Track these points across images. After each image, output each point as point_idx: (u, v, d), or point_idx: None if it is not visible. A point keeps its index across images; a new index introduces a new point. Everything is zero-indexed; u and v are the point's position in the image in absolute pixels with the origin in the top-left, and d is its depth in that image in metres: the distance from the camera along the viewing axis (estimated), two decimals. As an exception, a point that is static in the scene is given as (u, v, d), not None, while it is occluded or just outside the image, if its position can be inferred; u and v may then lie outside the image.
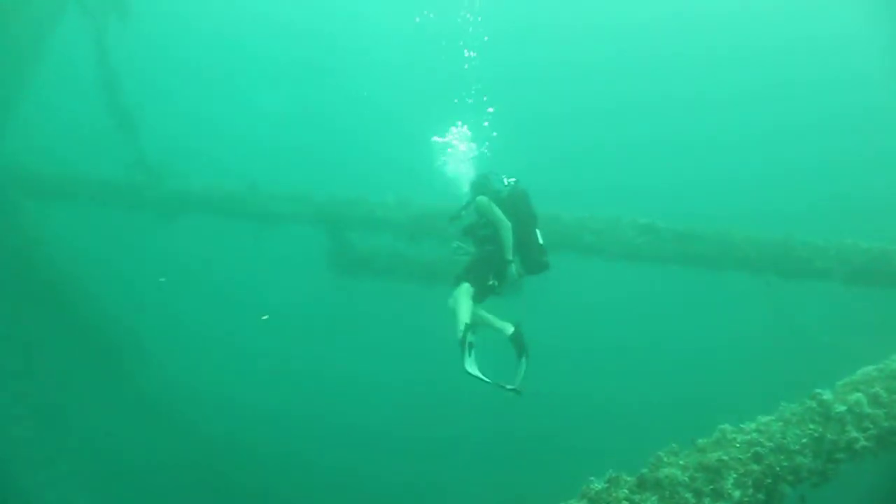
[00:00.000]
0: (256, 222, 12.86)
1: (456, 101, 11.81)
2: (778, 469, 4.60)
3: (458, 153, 8.97)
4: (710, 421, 5.11)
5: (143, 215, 13.58)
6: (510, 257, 7.30)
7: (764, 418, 5.10)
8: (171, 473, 15.29)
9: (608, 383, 20.13)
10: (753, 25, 30.47)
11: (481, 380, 6.52)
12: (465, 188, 8.04)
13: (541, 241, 7.50)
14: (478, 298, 7.25)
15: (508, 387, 6.54)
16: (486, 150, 9.33)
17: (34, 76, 13.74)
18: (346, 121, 33.47)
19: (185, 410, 16.80)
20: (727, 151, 30.61)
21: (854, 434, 4.88)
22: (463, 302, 7.07)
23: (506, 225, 7.36)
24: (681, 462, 4.55)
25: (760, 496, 4.49)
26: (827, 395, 5.17)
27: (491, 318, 7.23)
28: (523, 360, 6.86)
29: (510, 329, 7.11)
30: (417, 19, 22.16)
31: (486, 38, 14.84)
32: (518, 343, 6.99)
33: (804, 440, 4.81)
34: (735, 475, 4.46)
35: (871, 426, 4.95)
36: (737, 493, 4.37)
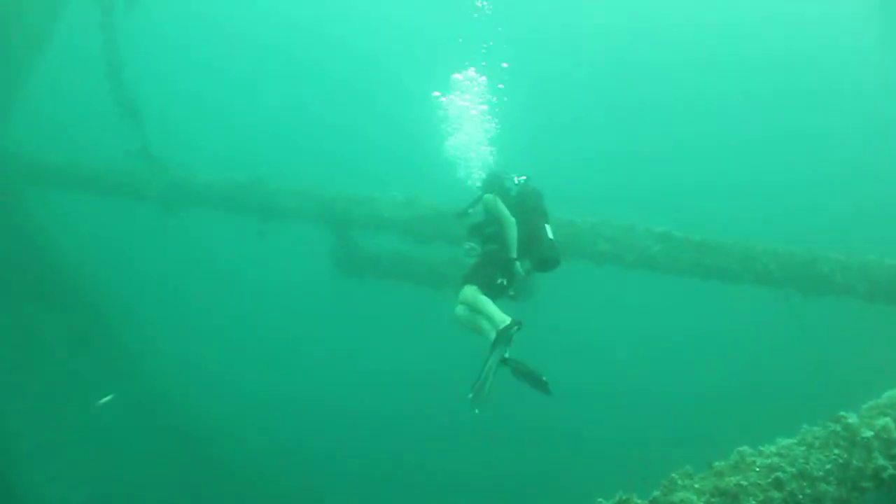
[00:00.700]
0: (260, 217, 12.77)
1: (460, 40, 11.31)
2: (800, 497, 4.39)
3: (459, 110, 8.76)
4: (727, 442, 4.93)
5: (145, 207, 13.55)
6: (514, 255, 7.16)
7: (785, 441, 4.90)
8: (169, 473, 15.62)
9: (619, 400, 19.95)
10: (771, 33, 30.29)
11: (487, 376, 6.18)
12: (476, 184, 7.91)
13: (550, 235, 7.28)
14: (505, 337, 6.92)
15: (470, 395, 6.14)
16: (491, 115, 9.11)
17: (38, 63, 13.65)
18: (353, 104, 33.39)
19: (184, 407, 16.79)
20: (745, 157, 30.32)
21: (881, 461, 4.66)
22: (480, 302, 6.81)
23: (509, 222, 7.23)
24: (696, 486, 4.37)
25: (781, 525, 4.30)
26: (852, 419, 4.96)
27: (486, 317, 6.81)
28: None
29: (492, 336, 6.55)
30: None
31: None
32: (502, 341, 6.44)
33: (828, 466, 4.60)
34: (754, 502, 4.26)
35: (900, 454, 4.75)
36: (756, 521, 4.18)
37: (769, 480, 4.40)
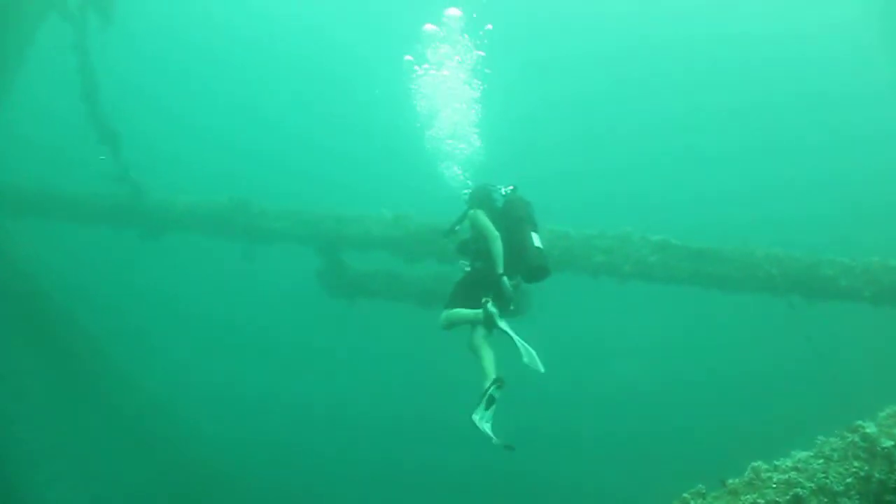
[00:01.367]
0: (245, 240, 12.58)
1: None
2: (821, 514, 4.17)
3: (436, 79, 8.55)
4: (739, 457, 4.71)
5: (126, 232, 13.36)
6: (500, 270, 6.98)
7: (801, 454, 4.67)
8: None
9: (623, 413, 19.73)
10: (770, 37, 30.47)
11: (483, 432, 6.28)
12: (464, 198, 7.73)
13: (538, 244, 7.07)
14: (490, 324, 6.89)
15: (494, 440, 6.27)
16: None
17: (11, 85, 13.48)
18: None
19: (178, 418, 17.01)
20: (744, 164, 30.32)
21: (904, 473, 4.44)
22: (483, 354, 6.85)
23: (493, 236, 7.11)
24: (710, 506, 4.14)
25: (802, 546, 4.07)
26: (870, 429, 4.73)
27: (488, 360, 6.87)
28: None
29: (492, 378, 6.66)
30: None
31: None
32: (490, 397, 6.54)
33: (849, 480, 4.37)
34: (773, 521, 4.04)
35: (924, 464, 4.52)
36: (775, 542, 3.95)
37: (788, 497, 4.18)
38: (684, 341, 21.42)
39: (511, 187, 7.71)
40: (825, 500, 4.24)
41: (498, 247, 7.03)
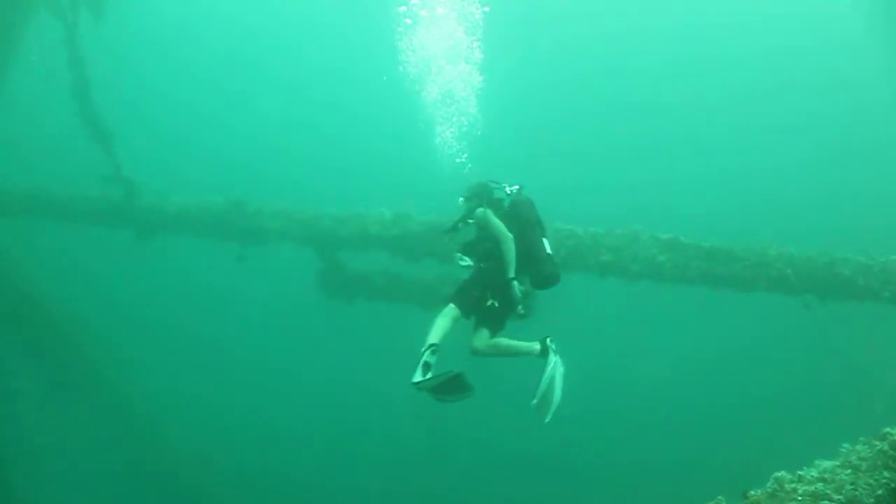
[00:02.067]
0: (241, 241, 12.38)
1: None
2: (851, 528, 3.92)
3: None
4: (760, 466, 4.49)
5: (120, 232, 13.19)
6: (512, 275, 6.78)
7: (826, 464, 4.43)
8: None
9: (637, 421, 19.51)
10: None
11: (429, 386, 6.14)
12: (461, 198, 7.47)
13: (549, 250, 6.98)
14: (495, 328, 6.82)
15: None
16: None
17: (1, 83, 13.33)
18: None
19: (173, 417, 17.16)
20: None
21: (937, 483, 4.19)
22: (438, 322, 6.57)
23: (507, 238, 6.87)
24: (731, 519, 3.92)
25: (831, 564, 3.83)
26: (900, 436, 4.49)
27: (516, 344, 6.85)
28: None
29: (537, 348, 6.82)
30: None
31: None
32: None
33: (879, 492, 4.13)
34: (800, 536, 3.81)
35: (957, 473, 4.28)
36: (803, 560, 3.71)
37: (815, 511, 3.94)
38: (703, 347, 21.15)
39: (517, 187, 7.50)
40: (855, 513, 4.01)
41: (512, 250, 6.84)
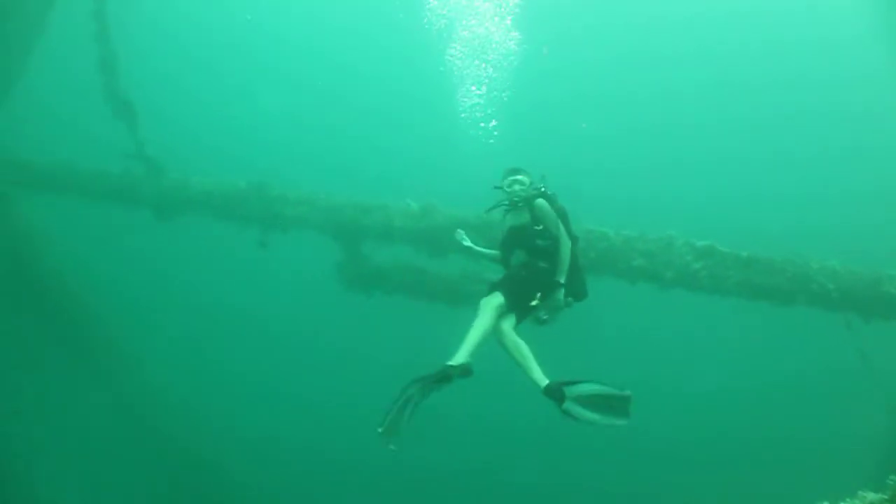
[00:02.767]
0: (263, 226, 12.28)
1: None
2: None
3: None
4: (799, 496, 4.25)
5: (140, 212, 13.16)
6: (563, 280, 6.58)
7: (872, 496, 4.18)
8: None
9: (665, 438, 19.19)
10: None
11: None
12: (517, 176, 7.23)
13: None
14: (515, 319, 6.37)
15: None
16: None
17: (29, 60, 13.35)
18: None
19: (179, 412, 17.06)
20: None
21: None
22: (480, 319, 6.10)
23: (567, 241, 6.70)
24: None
25: None
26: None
27: (531, 361, 6.04)
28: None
29: (545, 382, 5.83)
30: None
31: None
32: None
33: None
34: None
35: None
36: None
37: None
38: (730, 352, 20.74)
39: (543, 187, 7.32)
40: (906, 553, 3.76)
41: (569, 254, 6.69)
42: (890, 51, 25.22)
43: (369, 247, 11.48)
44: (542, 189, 7.22)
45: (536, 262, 6.83)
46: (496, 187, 7.42)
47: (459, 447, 19.59)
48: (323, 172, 22.08)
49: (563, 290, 6.64)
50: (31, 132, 15.89)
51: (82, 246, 16.84)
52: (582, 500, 18.89)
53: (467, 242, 7.56)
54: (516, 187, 7.16)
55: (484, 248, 7.81)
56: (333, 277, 11.81)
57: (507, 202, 7.24)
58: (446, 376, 5.55)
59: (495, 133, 8.19)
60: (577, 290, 6.77)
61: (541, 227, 6.92)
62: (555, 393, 5.69)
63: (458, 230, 7.52)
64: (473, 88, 8.30)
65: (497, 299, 6.35)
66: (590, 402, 5.64)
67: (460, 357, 5.75)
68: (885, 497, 4.20)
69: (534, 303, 6.52)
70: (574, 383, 5.67)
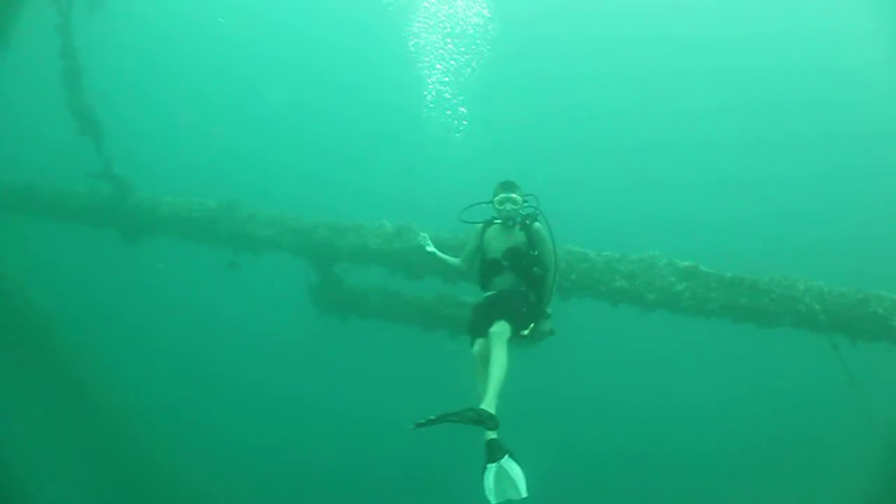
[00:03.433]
0: (233, 247, 12.06)
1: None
2: None
3: None
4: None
5: (107, 233, 12.92)
6: (550, 310, 6.80)
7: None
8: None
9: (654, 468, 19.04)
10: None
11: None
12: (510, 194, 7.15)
13: None
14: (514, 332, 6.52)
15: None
16: None
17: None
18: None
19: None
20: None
21: None
22: (496, 358, 6.11)
23: (554, 271, 6.88)
24: None
25: None
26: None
27: (498, 383, 6.02)
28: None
29: (490, 412, 5.82)
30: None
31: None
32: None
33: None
34: None
35: None
36: None
37: None
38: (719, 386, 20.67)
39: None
40: None
41: (556, 283, 6.91)
42: (875, 70, 25.55)
43: (344, 269, 11.33)
44: (535, 210, 7.14)
45: (522, 289, 6.78)
46: (487, 202, 7.33)
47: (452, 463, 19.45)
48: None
49: (550, 320, 6.63)
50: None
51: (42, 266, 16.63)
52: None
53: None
54: (508, 206, 7.07)
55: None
56: (307, 299, 11.67)
57: (499, 220, 7.14)
58: (477, 420, 5.54)
59: (464, 122, 8.12)
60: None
61: (536, 252, 6.85)
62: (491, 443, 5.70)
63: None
64: (439, 67, 8.20)
65: (505, 331, 6.31)
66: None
67: (488, 405, 5.74)
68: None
69: (525, 332, 6.50)
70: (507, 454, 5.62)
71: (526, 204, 7.21)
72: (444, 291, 10.43)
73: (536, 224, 7.02)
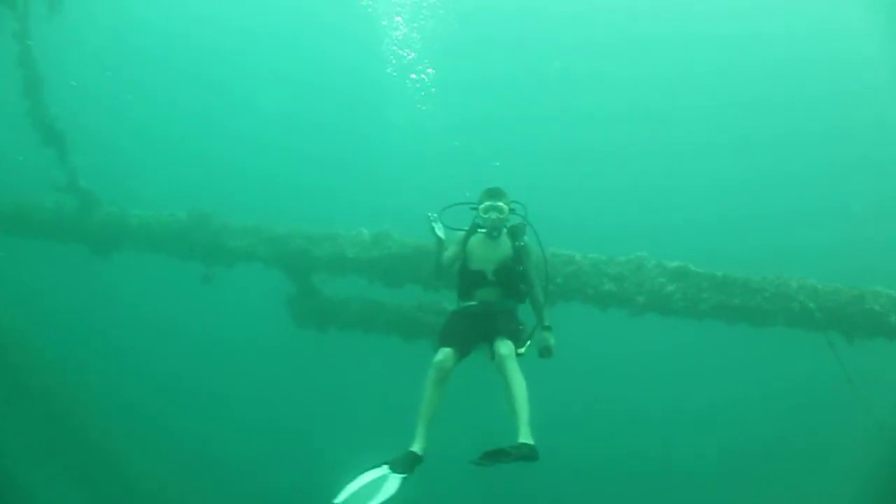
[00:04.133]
0: (206, 260, 11.80)
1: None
2: None
3: None
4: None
5: (73, 247, 12.62)
6: (547, 322, 6.75)
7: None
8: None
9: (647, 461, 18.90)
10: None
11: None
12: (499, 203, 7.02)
13: None
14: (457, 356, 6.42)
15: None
16: None
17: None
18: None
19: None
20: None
21: None
22: (515, 382, 6.20)
23: (540, 286, 6.96)
24: None
25: None
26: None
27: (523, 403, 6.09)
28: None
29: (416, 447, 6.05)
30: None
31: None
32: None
33: None
34: None
35: None
36: None
37: None
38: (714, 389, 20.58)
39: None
40: None
41: (547, 297, 7.06)
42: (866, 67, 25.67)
43: (321, 279, 11.11)
44: (522, 219, 7.04)
45: (509, 304, 6.75)
46: (472, 208, 7.18)
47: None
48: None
49: (552, 332, 6.64)
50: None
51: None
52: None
53: (440, 232, 7.25)
54: (493, 215, 6.91)
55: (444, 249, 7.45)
56: (284, 311, 11.44)
57: (484, 229, 7.01)
58: (530, 455, 5.60)
59: (433, 90, 7.99)
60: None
61: (522, 267, 6.75)
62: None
63: (432, 213, 7.23)
64: (399, 19, 8.07)
65: (512, 349, 6.30)
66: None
67: (524, 436, 5.74)
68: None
69: (521, 351, 6.44)
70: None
71: (512, 212, 7.06)
72: (425, 299, 10.27)
73: (525, 239, 6.92)
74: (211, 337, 21.58)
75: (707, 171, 29.17)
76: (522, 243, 6.91)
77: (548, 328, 6.69)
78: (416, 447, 5.90)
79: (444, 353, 6.29)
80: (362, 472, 5.71)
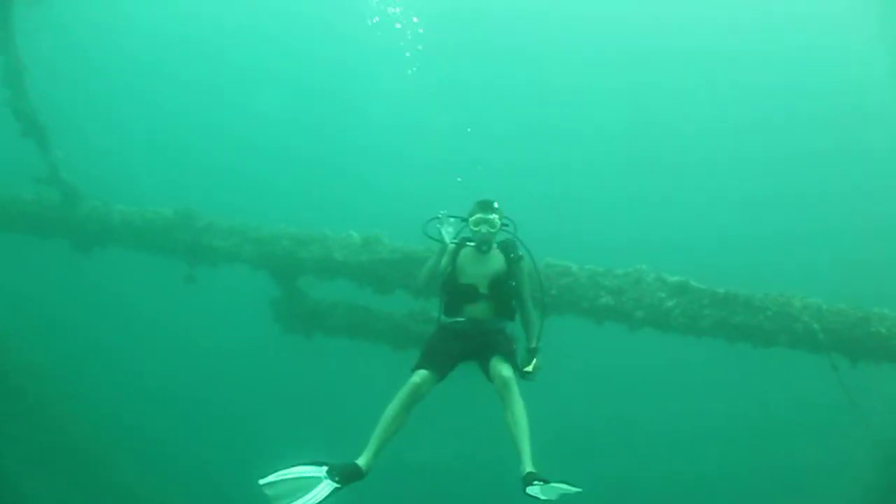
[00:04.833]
0: (190, 259, 11.63)
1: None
2: None
3: None
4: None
5: (55, 243, 12.44)
6: (534, 344, 6.76)
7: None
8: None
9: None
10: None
11: None
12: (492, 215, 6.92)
13: None
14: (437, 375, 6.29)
15: None
16: None
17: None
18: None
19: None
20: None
21: None
22: (516, 409, 6.05)
23: (531, 305, 6.90)
24: None
25: None
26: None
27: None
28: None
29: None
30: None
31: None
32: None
33: None
34: None
35: None
36: None
37: None
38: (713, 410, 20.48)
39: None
40: None
41: (542, 317, 6.95)
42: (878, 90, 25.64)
43: (308, 282, 10.95)
44: (512, 235, 6.97)
45: (500, 322, 6.68)
46: (463, 220, 7.07)
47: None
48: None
49: (539, 355, 6.62)
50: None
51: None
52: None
53: (448, 236, 7.16)
54: (483, 228, 6.80)
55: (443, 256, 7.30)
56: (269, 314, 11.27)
57: (472, 243, 6.92)
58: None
59: (419, 47, 7.89)
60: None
61: (514, 283, 6.69)
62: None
63: (443, 212, 7.15)
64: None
65: (511, 373, 6.16)
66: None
67: (528, 465, 5.64)
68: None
69: (528, 369, 6.47)
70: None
71: (504, 227, 6.94)
72: (416, 307, 10.12)
73: (522, 258, 6.84)
74: (193, 339, 21.44)
75: (712, 186, 29.14)
76: (516, 256, 6.81)
77: (534, 350, 6.59)
78: (362, 461, 5.66)
79: (422, 377, 6.13)
80: (300, 463, 5.52)
